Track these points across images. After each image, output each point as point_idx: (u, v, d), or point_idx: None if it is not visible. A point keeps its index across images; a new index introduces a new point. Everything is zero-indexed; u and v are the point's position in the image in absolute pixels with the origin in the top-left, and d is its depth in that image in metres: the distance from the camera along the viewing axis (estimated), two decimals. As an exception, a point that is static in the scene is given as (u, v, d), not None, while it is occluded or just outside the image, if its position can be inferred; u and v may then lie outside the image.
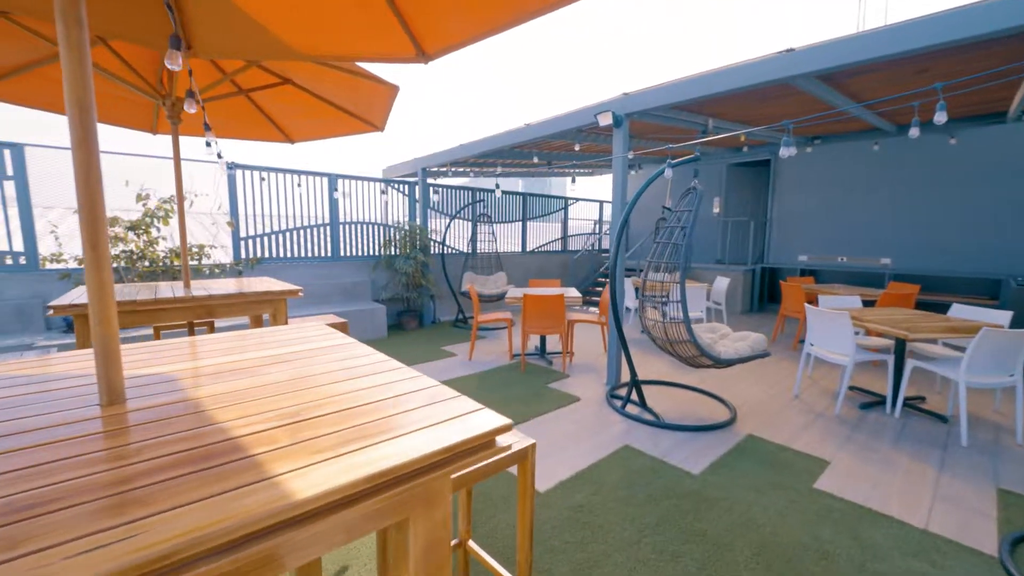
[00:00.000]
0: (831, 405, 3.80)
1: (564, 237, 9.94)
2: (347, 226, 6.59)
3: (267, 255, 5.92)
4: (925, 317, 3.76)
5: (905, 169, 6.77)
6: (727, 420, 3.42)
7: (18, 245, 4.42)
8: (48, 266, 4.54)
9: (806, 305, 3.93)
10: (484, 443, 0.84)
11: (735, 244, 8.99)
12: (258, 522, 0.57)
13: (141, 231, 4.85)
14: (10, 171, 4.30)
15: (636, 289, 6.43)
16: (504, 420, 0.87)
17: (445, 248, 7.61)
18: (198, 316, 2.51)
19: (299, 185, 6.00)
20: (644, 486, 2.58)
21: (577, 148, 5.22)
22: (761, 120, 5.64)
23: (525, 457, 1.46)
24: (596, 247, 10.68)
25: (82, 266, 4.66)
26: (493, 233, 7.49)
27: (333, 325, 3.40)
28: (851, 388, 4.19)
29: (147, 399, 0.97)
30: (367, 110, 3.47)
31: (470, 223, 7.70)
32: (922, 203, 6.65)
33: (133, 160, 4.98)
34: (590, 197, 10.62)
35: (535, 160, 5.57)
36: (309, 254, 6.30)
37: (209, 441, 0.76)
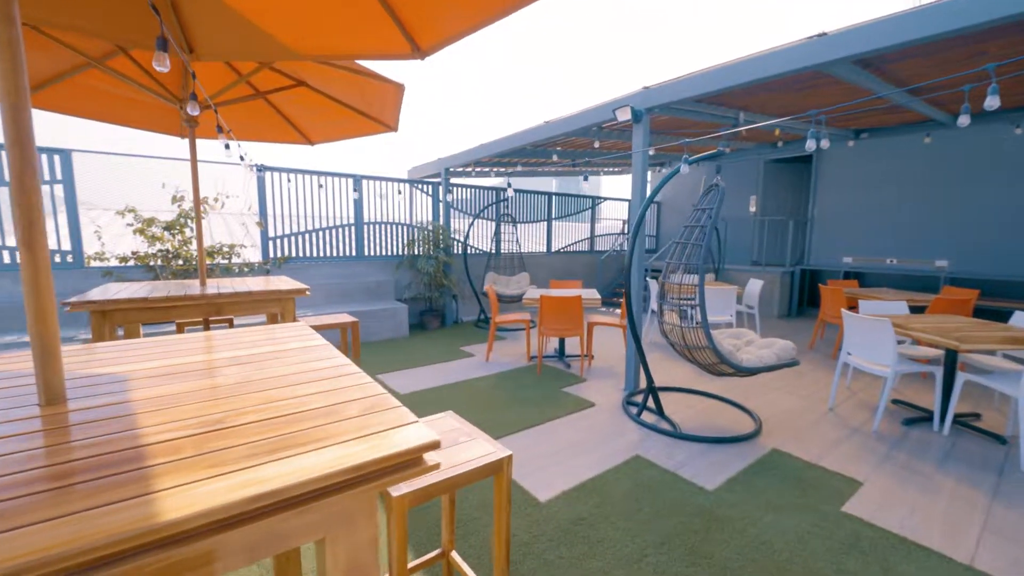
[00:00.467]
0: (869, 420, 3.49)
1: (592, 237, 9.75)
2: (371, 226, 6.69)
3: (295, 254, 6.09)
4: (981, 326, 3.39)
5: (963, 163, 6.19)
6: (750, 432, 3.20)
7: (66, 244, 4.73)
8: (92, 264, 4.83)
9: (843, 311, 3.63)
10: (407, 461, 0.77)
11: (772, 244, 8.53)
12: (115, 544, 0.52)
13: (176, 231, 5.08)
14: (59, 175, 4.60)
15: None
16: (432, 437, 0.79)
17: (468, 248, 7.60)
18: (207, 314, 2.57)
19: (321, 186, 6.13)
20: (652, 500, 2.44)
21: (596, 145, 5.06)
22: (797, 112, 5.29)
23: (500, 469, 1.38)
24: (625, 248, 10.40)
25: (123, 264, 4.93)
26: (516, 233, 7.42)
27: (342, 324, 3.43)
28: (894, 402, 3.84)
29: (89, 400, 0.96)
30: (379, 110, 3.47)
31: (494, 223, 7.65)
32: (983, 200, 6.05)
33: (170, 164, 5.24)
34: (620, 196, 10.36)
35: (555, 158, 5.45)
36: (334, 253, 6.43)
37: (111, 450, 0.73)
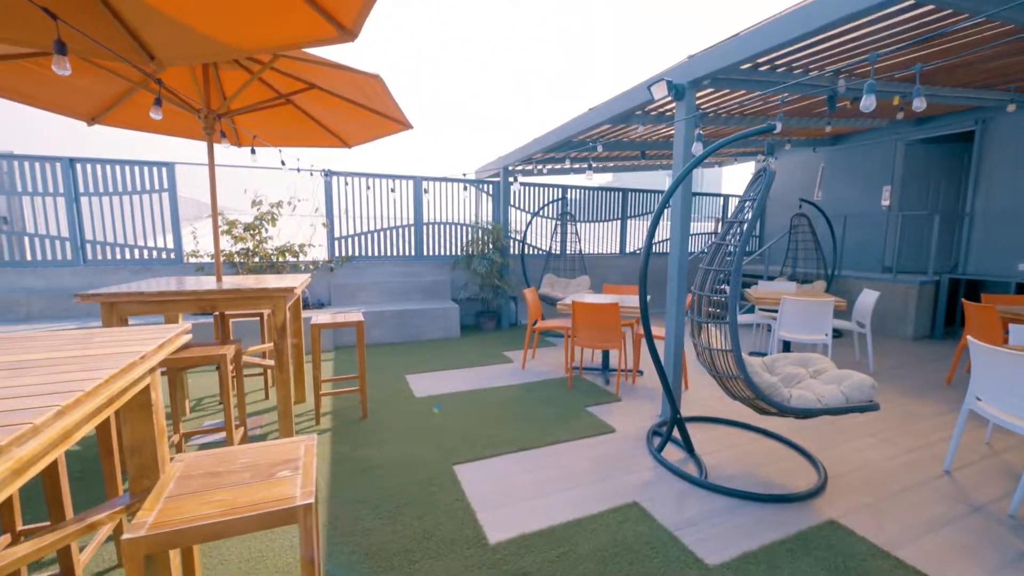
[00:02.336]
0: (1006, 497, 2.46)
1: (675, 237, 8.77)
2: (430, 226, 6.80)
3: (357, 253, 6.44)
4: None
5: None
6: (805, 491, 2.45)
7: (170, 244, 5.56)
8: (189, 260, 5.61)
9: (969, 339, 2.61)
10: None
11: (911, 247, 6.78)
12: None
13: (255, 231, 5.67)
14: (165, 185, 5.43)
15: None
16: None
17: (527, 248, 7.34)
18: (201, 309, 2.71)
19: (392, 190, 6.38)
20: (626, 566, 1.95)
21: (640, 131, 4.39)
22: (930, 72, 4.02)
23: (294, 518, 1.11)
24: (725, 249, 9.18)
25: (213, 260, 5.64)
26: (577, 232, 6.94)
27: (349, 323, 3.42)
28: (1060, 474, 2.67)
29: None
30: (387, 107, 3.41)
31: (555, 222, 7.27)
32: None
33: (253, 171, 5.86)
34: (712, 191, 9.19)
35: (600, 149, 4.89)
36: (395, 253, 6.66)
37: None
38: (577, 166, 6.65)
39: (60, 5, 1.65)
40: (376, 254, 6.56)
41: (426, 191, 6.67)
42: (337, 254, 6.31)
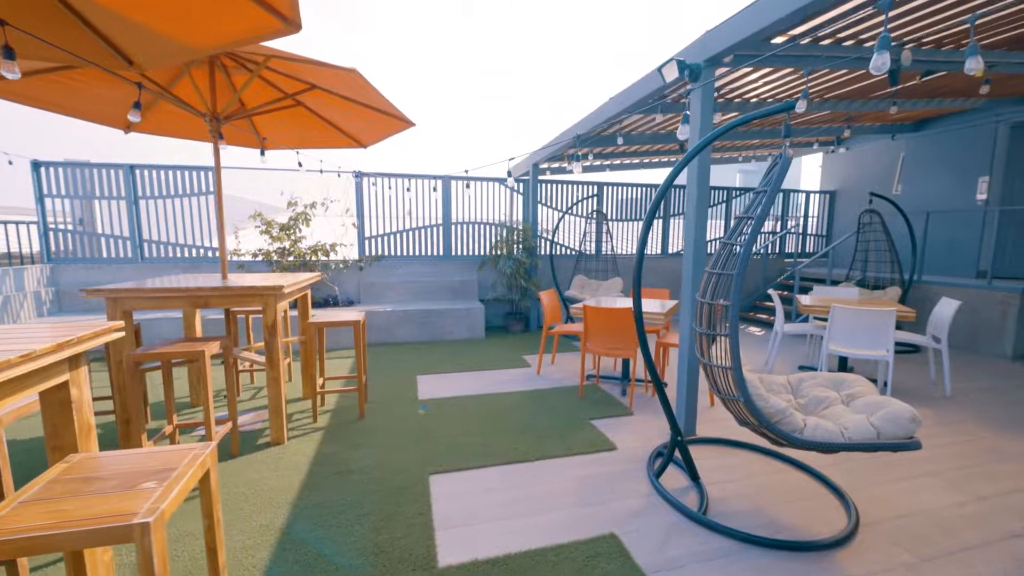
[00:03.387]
0: (1107, 572, 1.90)
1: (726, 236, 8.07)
2: (459, 226, 6.75)
3: (387, 253, 6.54)
4: None
5: None
6: (825, 540, 2.04)
7: (215, 243, 5.94)
8: (231, 258, 5.97)
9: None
10: None
11: (1015, 247, 5.71)
12: None
13: (290, 231, 5.93)
14: (212, 187, 5.81)
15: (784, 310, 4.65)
16: None
17: (558, 248, 7.08)
18: (195, 305, 2.80)
19: (408, 190, 6.42)
20: (581, 610, 1.71)
21: (659, 120, 3.96)
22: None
23: (129, 537, 1.01)
24: (774, 250, 8.35)
25: (254, 258, 5.97)
26: (609, 231, 6.57)
27: (346, 322, 3.41)
28: None
29: None
30: (383, 104, 3.36)
31: (588, 220, 6.94)
32: None
33: (288, 174, 6.13)
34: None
35: (620, 141, 4.51)
36: (423, 252, 6.69)
37: None
38: (610, 162, 6.29)
39: (24, 13, 1.73)
40: (405, 254, 6.62)
41: (467, 186, 6.62)
42: (367, 253, 6.44)
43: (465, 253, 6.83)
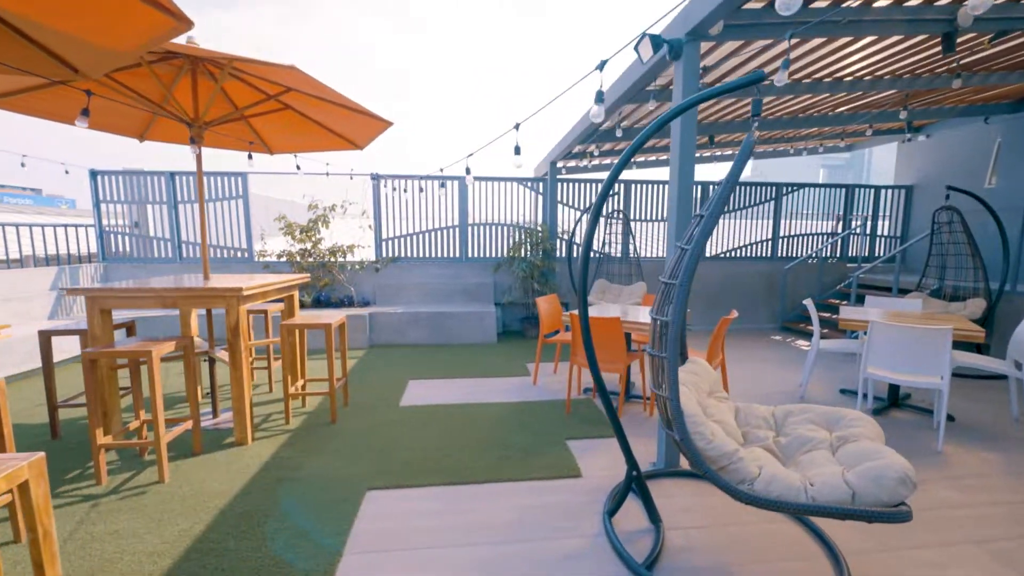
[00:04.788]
0: None
1: (775, 238, 7.26)
2: (475, 227, 6.62)
3: (403, 254, 6.56)
4: None
5: None
6: (789, 619, 1.63)
7: (244, 244, 6.28)
8: (258, 259, 6.28)
9: None
10: None
11: None
12: None
13: (311, 233, 6.12)
14: (240, 192, 6.14)
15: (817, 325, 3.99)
16: None
17: (577, 249, 6.71)
18: (163, 304, 2.88)
19: (421, 190, 6.38)
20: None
21: (651, 107, 3.46)
22: None
23: None
24: (833, 254, 7.36)
25: (279, 259, 6.23)
26: (632, 233, 6.10)
27: (319, 325, 3.38)
28: None
29: None
30: (354, 104, 3.30)
31: (609, 221, 6.50)
32: None
33: (310, 178, 6.33)
34: (822, 181, 7.42)
35: (618, 134, 4.06)
36: (439, 254, 6.63)
37: None
38: (647, 158, 5.84)
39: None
40: (421, 255, 6.60)
41: (483, 186, 6.50)
42: (384, 255, 6.50)
43: (482, 255, 6.69)
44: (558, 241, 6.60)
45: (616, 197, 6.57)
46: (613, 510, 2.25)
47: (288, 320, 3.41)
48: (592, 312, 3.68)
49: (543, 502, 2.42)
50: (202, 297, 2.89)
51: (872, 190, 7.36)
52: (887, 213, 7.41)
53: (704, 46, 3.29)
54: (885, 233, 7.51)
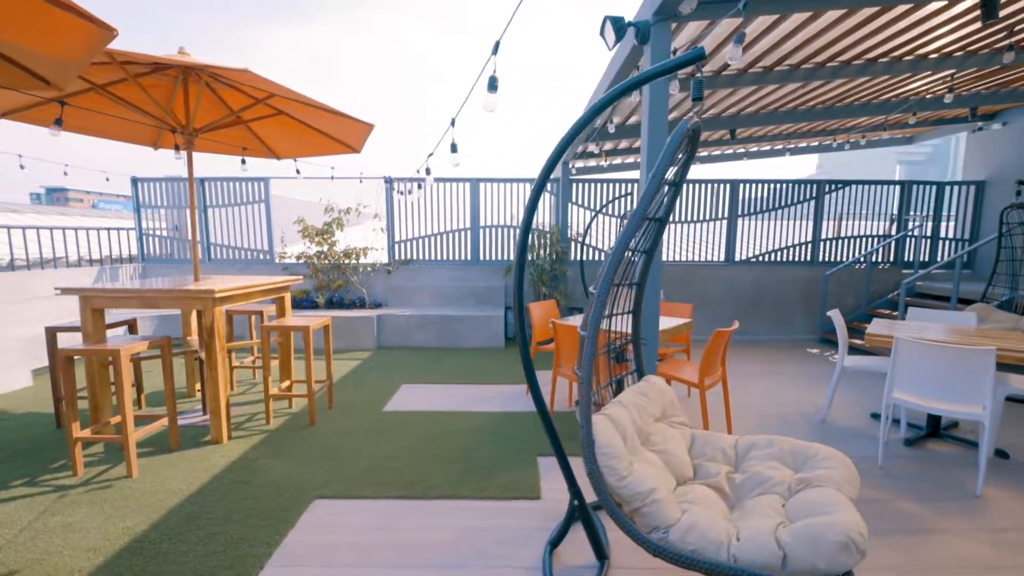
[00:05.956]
0: None
1: (815, 241, 6.60)
2: (487, 229, 6.52)
3: (415, 257, 6.58)
4: None
5: None
6: None
7: (265, 246, 6.55)
8: (279, 260, 6.52)
9: None
10: None
11: None
12: None
13: (326, 236, 6.28)
14: (262, 196, 6.41)
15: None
16: None
17: (593, 252, 6.42)
18: (146, 305, 3.01)
19: (420, 187, 6.35)
20: None
21: (634, 100, 3.14)
22: None
23: None
24: (885, 259, 6.59)
25: (298, 261, 6.45)
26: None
27: (295, 327, 3.40)
28: None
29: None
30: (324, 105, 3.30)
31: (621, 222, 6.17)
32: None
33: (325, 180, 6.50)
34: (871, 178, 6.67)
35: (611, 132, 3.74)
36: (451, 257, 6.59)
37: None
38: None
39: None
40: (432, 258, 6.59)
41: (495, 187, 6.40)
42: (396, 257, 6.55)
43: (493, 258, 6.58)
44: (573, 244, 6.35)
45: (628, 199, 6.23)
46: (556, 540, 2.05)
47: (269, 322, 3.46)
48: (572, 320, 3.45)
49: (490, 524, 2.26)
50: (178, 298, 2.97)
51: (934, 187, 6.51)
52: (953, 212, 6.54)
53: (695, 33, 2.99)
54: (951, 235, 6.62)
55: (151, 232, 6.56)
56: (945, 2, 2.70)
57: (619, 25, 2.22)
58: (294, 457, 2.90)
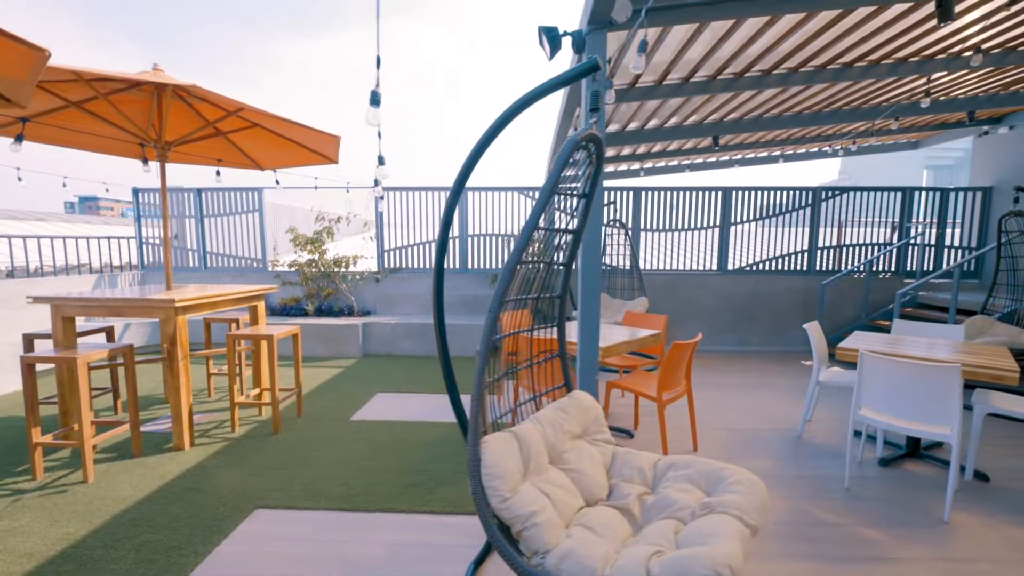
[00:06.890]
0: None
1: (811, 249, 6.41)
2: (475, 238, 6.54)
3: (404, 265, 6.62)
4: None
5: None
6: None
7: (258, 254, 6.68)
8: (271, 268, 6.65)
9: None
10: None
11: None
12: None
13: (317, 244, 6.38)
14: (256, 206, 6.56)
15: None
16: None
17: (575, 262, 6.36)
18: (112, 313, 3.08)
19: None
20: None
21: (610, 101, 3.08)
22: None
23: None
24: (886, 267, 6.35)
25: (290, 268, 6.56)
26: (630, 243, 5.67)
27: (260, 335, 3.44)
28: None
29: None
30: (284, 118, 3.37)
31: (607, 230, 6.10)
32: None
33: (321, 192, 6.61)
34: (875, 184, 6.46)
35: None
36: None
37: None
38: (667, 164, 5.45)
39: None
40: (421, 266, 6.63)
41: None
42: (385, 266, 6.61)
43: (482, 266, 6.58)
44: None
45: (612, 207, 6.16)
46: (480, 559, 2.01)
47: (235, 331, 3.51)
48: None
49: (424, 540, 2.23)
50: (142, 307, 3.05)
51: (937, 193, 6.27)
52: (958, 219, 6.28)
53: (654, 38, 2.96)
54: (957, 243, 6.35)
55: (150, 240, 6.77)
56: (911, 3, 2.61)
57: (552, 35, 2.21)
58: (247, 466, 2.92)
